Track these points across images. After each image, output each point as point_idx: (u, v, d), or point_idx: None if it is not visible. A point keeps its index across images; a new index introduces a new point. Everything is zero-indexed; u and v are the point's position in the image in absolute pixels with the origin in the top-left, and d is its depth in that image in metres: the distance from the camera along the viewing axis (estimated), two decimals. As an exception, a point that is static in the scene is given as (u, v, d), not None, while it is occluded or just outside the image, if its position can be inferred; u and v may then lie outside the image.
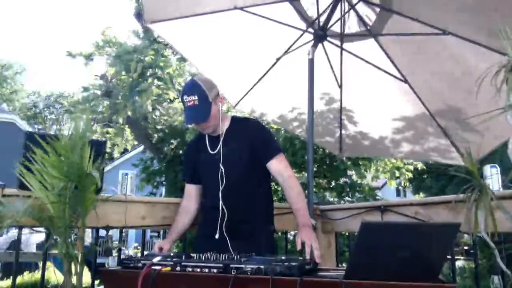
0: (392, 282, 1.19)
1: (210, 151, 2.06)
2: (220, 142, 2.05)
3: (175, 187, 5.95)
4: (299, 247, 1.74)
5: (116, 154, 9.63)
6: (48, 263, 3.83)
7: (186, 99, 1.95)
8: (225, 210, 1.97)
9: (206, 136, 2.11)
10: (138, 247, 10.58)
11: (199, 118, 1.97)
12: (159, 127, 6.40)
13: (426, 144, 3.49)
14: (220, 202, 1.98)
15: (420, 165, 7.14)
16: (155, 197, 5.61)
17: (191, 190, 2.18)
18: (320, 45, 2.97)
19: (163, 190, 6.34)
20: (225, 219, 1.96)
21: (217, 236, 1.94)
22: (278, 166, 2.03)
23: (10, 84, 32.17)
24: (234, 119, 2.15)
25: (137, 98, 7.00)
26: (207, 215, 2.13)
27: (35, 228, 2.06)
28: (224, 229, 1.95)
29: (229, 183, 1.99)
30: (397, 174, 6.92)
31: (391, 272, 1.21)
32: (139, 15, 7.65)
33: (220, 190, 1.98)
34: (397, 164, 6.82)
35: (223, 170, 1.99)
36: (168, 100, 7.22)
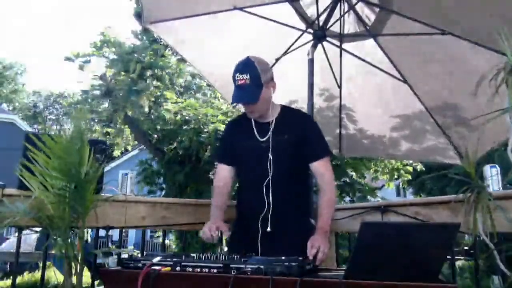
0: (392, 282, 1.19)
1: (259, 138, 1.96)
2: (271, 130, 1.96)
3: (175, 187, 5.96)
4: (309, 249, 1.72)
5: (116, 154, 9.62)
6: (48, 263, 3.83)
7: (237, 77, 1.85)
8: (270, 200, 1.89)
9: (253, 121, 2.01)
10: (135, 250, 10.55)
11: (247, 98, 1.87)
12: (158, 127, 6.40)
13: (425, 144, 3.50)
14: (264, 191, 1.90)
15: (419, 167, 7.15)
16: (155, 197, 5.61)
17: (226, 171, 2.06)
18: (319, 45, 2.98)
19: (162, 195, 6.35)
20: (270, 209, 1.89)
21: (269, 229, 1.87)
22: (321, 168, 1.96)
23: (11, 84, 32.14)
24: (285, 109, 2.06)
25: (135, 99, 7.01)
26: (247, 203, 2.02)
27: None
28: (268, 221, 1.88)
29: (275, 174, 1.91)
30: (396, 175, 6.91)
31: (391, 272, 1.21)
32: (139, 15, 7.63)
33: (267, 180, 1.90)
34: (397, 165, 6.82)
35: (271, 159, 1.91)
36: (166, 100, 7.22)
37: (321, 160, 1.97)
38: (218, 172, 2.10)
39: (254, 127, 2.00)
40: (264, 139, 1.96)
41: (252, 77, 1.85)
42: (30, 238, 6.96)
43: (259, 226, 1.89)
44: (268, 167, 1.91)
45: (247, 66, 1.88)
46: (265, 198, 1.90)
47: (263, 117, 1.99)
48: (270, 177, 1.91)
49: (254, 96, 1.87)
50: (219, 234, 1.78)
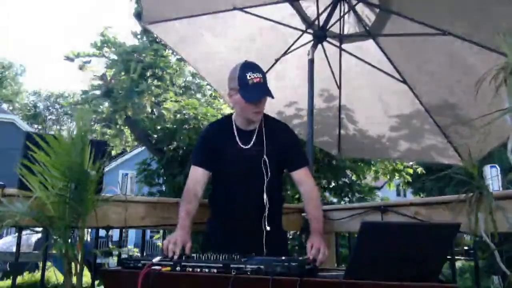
0: (392, 282, 1.19)
1: (242, 145, 2.00)
2: (259, 136, 2.01)
3: (174, 187, 5.95)
4: (309, 251, 1.73)
5: (114, 153, 9.61)
6: (48, 263, 3.83)
7: (250, 75, 1.88)
8: (267, 204, 1.95)
9: (235, 129, 2.03)
10: (135, 249, 10.55)
11: (270, 93, 1.90)
12: (158, 127, 6.39)
13: (424, 144, 3.50)
14: (265, 195, 1.95)
15: (420, 169, 7.14)
16: (155, 197, 5.61)
17: (201, 175, 2.02)
18: (319, 45, 2.97)
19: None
20: (267, 212, 1.94)
21: (268, 228, 1.93)
22: (304, 176, 2.04)
23: (11, 84, 32.13)
24: (267, 117, 2.10)
25: (136, 100, 6.99)
26: (237, 209, 2.02)
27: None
28: (264, 223, 1.94)
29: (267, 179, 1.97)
30: (397, 176, 6.88)
31: (391, 272, 1.21)
32: (139, 16, 7.63)
33: (265, 183, 1.95)
34: (398, 166, 6.79)
35: (268, 162, 1.96)
36: (167, 100, 7.20)
37: (304, 169, 2.05)
38: (192, 175, 2.05)
39: (236, 135, 2.02)
40: (248, 146, 2.00)
41: (263, 77, 1.91)
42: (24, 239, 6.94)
43: (261, 225, 1.94)
44: (263, 171, 1.96)
45: (255, 67, 1.93)
46: (264, 200, 1.94)
47: (256, 122, 2.01)
48: (267, 180, 1.96)
49: (271, 92, 1.91)
50: (181, 251, 1.67)
